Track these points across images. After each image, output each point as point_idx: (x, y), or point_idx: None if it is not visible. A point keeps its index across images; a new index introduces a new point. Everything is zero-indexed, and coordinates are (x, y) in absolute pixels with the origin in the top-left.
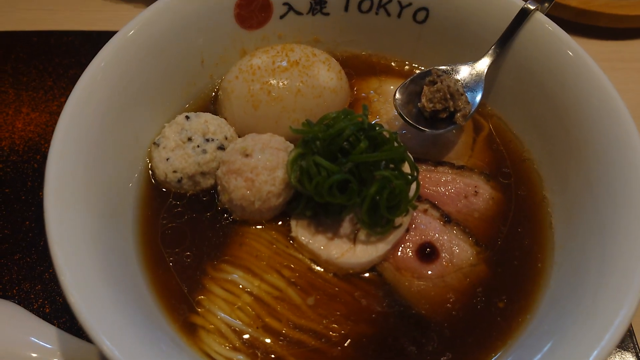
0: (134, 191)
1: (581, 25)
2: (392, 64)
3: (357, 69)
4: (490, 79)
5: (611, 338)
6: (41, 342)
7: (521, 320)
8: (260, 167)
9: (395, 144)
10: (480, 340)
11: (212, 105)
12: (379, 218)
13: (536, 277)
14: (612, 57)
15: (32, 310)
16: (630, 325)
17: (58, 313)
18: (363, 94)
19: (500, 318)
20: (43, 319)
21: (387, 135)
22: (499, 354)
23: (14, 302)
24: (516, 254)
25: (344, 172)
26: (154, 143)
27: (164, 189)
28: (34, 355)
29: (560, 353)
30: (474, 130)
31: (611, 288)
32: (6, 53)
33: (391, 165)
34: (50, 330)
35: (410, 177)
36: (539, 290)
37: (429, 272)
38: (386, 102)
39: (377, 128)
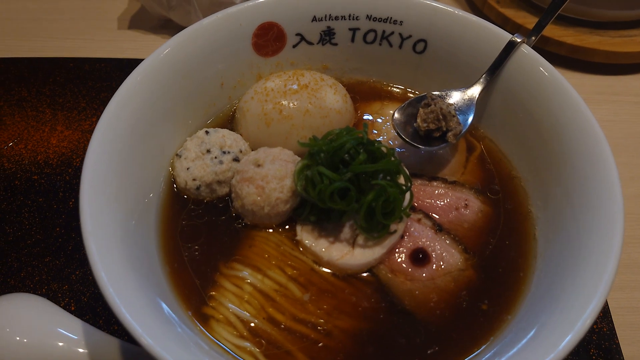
0: (158, 197)
1: (577, 61)
2: (394, 89)
3: (361, 94)
4: (482, 105)
5: (582, 326)
6: (67, 333)
7: (502, 320)
8: (270, 176)
9: (392, 158)
10: (464, 336)
11: (229, 123)
12: (376, 224)
13: (517, 284)
14: (606, 90)
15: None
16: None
17: (82, 310)
18: (366, 116)
19: (483, 318)
20: None
21: (385, 151)
22: (482, 347)
23: None
24: (502, 263)
25: (344, 181)
26: (177, 154)
27: (184, 196)
28: (61, 344)
29: (538, 342)
30: (467, 150)
31: (583, 285)
32: (45, 77)
33: (387, 177)
34: (76, 323)
35: (404, 187)
36: (519, 296)
37: (420, 275)
38: (386, 123)
39: (375, 144)
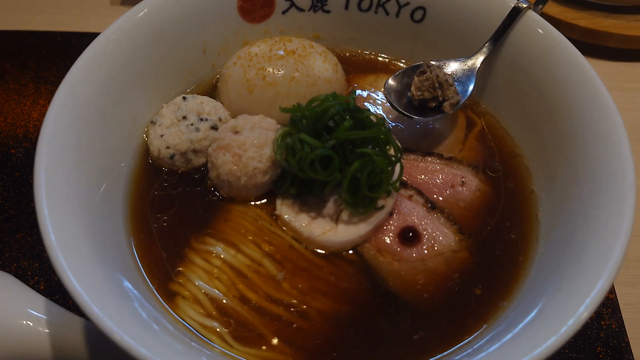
0: (130, 166)
1: (590, 45)
2: (389, 62)
3: (355, 66)
4: (484, 78)
5: (584, 312)
6: (35, 313)
7: (497, 306)
8: (249, 143)
9: (382, 128)
10: (455, 322)
11: (211, 92)
12: (361, 198)
13: (516, 268)
14: (620, 77)
15: (28, 286)
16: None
17: (52, 290)
18: (359, 92)
19: (476, 304)
20: None
21: (374, 120)
22: (473, 335)
23: None
24: (500, 246)
25: (327, 148)
26: (152, 122)
27: (158, 166)
28: (29, 324)
29: (535, 328)
30: (466, 127)
31: (587, 270)
32: (31, 50)
33: (376, 148)
34: (44, 302)
35: (393, 158)
36: (517, 281)
37: (409, 255)
38: (381, 97)
39: (364, 112)
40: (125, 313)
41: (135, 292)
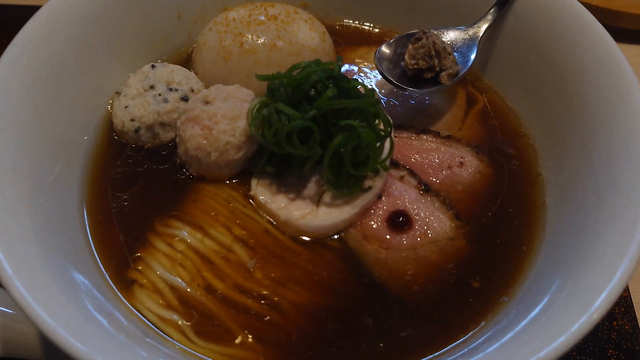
0: (91, 140)
1: (604, 26)
2: (384, 34)
3: (346, 38)
4: (487, 50)
5: (598, 309)
6: None
7: (496, 302)
8: (220, 115)
9: (371, 99)
10: (448, 318)
11: (187, 64)
12: (345, 177)
13: (519, 259)
14: (635, 60)
15: None
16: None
17: None
18: (349, 62)
19: (473, 298)
20: None
21: (362, 90)
22: (469, 334)
23: None
24: (501, 234)
25: (306, 119)
26: (117, 92)
27: (123, 141)
28: None
29: (540, 327)
30: (466, 104)
31: (601, 261)
32: None
33: (364, 123)
34: None
35: (382, 133)
36: (520, 272)
37: (399, 243)
38: (373, 71)
39: (351, 81)
40: (66, 303)
41: (84, 280)
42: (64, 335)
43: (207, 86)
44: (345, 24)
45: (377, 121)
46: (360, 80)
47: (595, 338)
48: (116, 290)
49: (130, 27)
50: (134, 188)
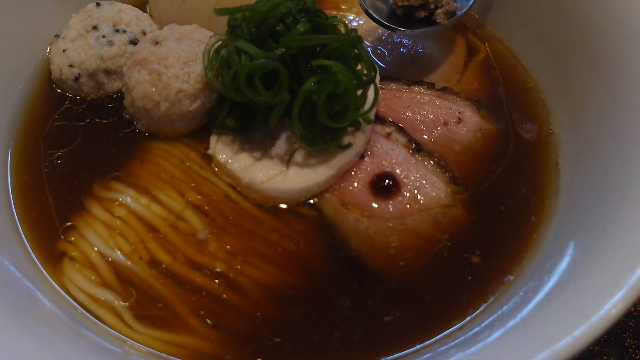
0: (25, 91)
1: None
2: None
3: None
4: None
5: (628, 291)
6: None
7: (499, 282)
8: (172, 57)
9: (350, 36)
10: (442, 300)
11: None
12: (320, 130)
13: (527, 231)
14: None
15: None
16: None
17: None
18: (330, 4)
19: (473, 276)
20: None
21: (342, 29)
22: (466, 319)
23: None
24: (506, 201)
25: (271, 59)
26: (56, 35)
27: (62, 91)
28: None
29: (553, 310)
30: (467, 54)
31: (628, 231)
32: None
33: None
34: None
35: (364, 77)
36: (529, 248)
37: (385, 210)
38: (358, 17)
39: (329, 18)
40: None
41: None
42: None
43: None
44: None
45: (359, 66)
46: (340, 19)
47: None
48: (39, 265)
49: None
50: (71, 145)
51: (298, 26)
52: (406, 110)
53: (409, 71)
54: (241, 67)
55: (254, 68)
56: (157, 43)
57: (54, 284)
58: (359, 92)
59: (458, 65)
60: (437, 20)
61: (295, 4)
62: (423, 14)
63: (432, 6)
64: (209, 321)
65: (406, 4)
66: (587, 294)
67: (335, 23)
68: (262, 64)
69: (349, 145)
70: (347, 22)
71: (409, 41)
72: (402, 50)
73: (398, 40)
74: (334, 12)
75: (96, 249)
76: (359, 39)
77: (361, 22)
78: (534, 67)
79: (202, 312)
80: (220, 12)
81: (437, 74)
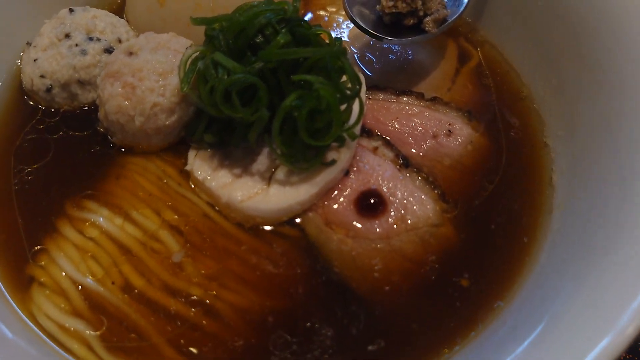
0: None
1: None
2: None
3: None
4: None
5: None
6: None
7: (489, 308)
8: (147, 69)
9: (335, 48)
10: (429, 328)
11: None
12: (302, 148)
13: (519, 253)
14: None
15: None
16: None
17: None
18: (314, 8)
19: (461, 302)
20: None
21: (327, 40)
22: (454, 348)
23: None
24: (497, 220)
25: (249, 74)
26: (27, 43)
27: (34, 102)
28: None
29: (548, 346)
30: (458, 60)
31: (628, 258)
32: None
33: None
34: None
35: (348, 91)
36: (521, 271)
37: (370, 230)
38: (346, 22)
39: (312, 28)
40: None
41: None
42: None
43: None
44: None
45: (343, 78)
46: (323, 28)
47: None
48: (5, 292)
49: None
50: (43, 160)
51: (278, 38)
52: (394, 122)
53: (398, 78)
54: (218, 81)
55: (231, 83)
56: (131, 54)
57: (20, 312)
58: (343, 107)
59: (449, 73)
60: (426, 28)
61: (275, 14)
62: (412, 21)
63: (421, 13)
64: (185, 351)
65: (394, 11)
66: (585, 327)
67: (319, 32)
68: (240, 79)
69: (333, 162)
70: (335, 24)
71: (398, 47)
72: (390, 56)
73: (387, 46)
74: (322, 13)
75: (66, 274)
76: (343, 51)
77: (351, 25)
78: (527, 75)
79: (179, 341)
80: (196, 21)
81: (427, 82)
